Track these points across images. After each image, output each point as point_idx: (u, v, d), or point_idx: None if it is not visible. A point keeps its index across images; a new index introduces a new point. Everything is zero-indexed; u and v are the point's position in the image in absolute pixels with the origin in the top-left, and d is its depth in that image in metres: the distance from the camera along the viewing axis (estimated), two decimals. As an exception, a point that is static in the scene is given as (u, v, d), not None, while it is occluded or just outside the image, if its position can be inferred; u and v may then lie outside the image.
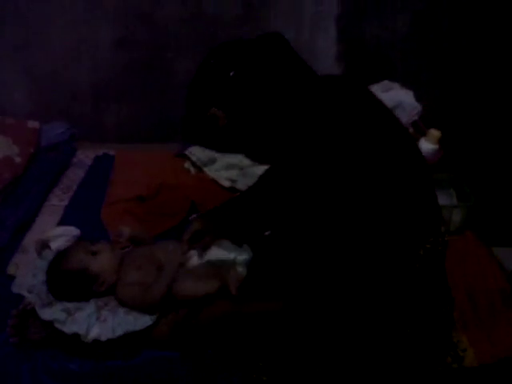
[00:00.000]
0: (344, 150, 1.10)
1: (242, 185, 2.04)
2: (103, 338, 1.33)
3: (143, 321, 1.37)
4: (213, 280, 1.38)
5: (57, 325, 1.34)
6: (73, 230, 1.69)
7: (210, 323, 1.34)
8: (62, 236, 1.64)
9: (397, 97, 2.14)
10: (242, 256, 1.41)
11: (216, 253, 1.43)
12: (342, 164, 1.10)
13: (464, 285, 1.60)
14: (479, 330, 1.43)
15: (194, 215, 1.62)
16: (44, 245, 1.60)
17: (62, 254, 1.47)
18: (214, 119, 1.18)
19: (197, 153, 2.19)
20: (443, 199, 1.69)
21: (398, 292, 1.15)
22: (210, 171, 2.14)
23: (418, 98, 2.18)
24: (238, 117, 1.18)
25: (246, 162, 2.16)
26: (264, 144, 1.22)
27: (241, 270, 1.40)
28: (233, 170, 2.13)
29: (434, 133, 1.95)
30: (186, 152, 2.21)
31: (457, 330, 1.39)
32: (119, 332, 1.34)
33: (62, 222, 1.85)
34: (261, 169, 2.08)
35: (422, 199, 1.15)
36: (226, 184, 2.08)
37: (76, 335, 1.33)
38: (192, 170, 2.19)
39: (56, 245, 1.60)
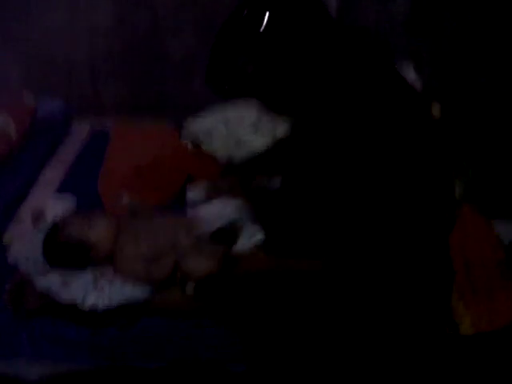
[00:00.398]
0: (370, 116, 1.08)
1: (238, 159, 2.03)
2: (100, 307, 1.32)
3: (140, 291, 1.37)
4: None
5: (53, 293, 1.33)
6: (68, 201, 1.69)
7: (244, 281, 1.31)
8: (57, 206, 1.63)
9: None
10: (256, 236, 1.41)
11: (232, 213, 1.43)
12: (366, 127, 1.08)
13: (462, 257, 1.60)
14: (476, 300, 1.43)
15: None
16: (39, 215, 1.59)
17: (58, 224, 1.46)
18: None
19: (193, 127, 2.17)
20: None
21: (411, 260, 1.15)
22: (207, 145, 2.13)
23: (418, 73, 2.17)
24: (265, 65, 1.14)
25: (244, 137, 2.16)
26: (287, 95, 1.18)
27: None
28: (229, 144, 2.12)
29: (434, 105, 1.94)
30: (183, 126, 2.20)
31: (454, 299, 1.38)
32: (116, 301, 1.34)
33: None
34: (259, 141, 2.09)
35: (443, 169, 1.15)
36: (223, 158, 2.07)
37: (73, 303, 1.32)
38: (188, 143, 2.18)
39: (52, 215, 1.59)
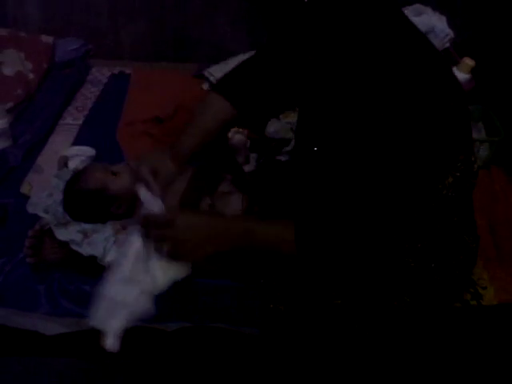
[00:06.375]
0: (378, 73, 1.02)
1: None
2: (120, 262, 1.32)
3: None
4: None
5: (73, 246, 1.32)
6: (88, 151, 1.67)
7: None
8: (77, 156, 1.61)
9: (429, 22, 2.01)
10: None
11: None
12: (376, 85, 1.02)
13: (487, 220, 1.56)
14: (501, 267, 1.40)
15: None
16: (65, 163, 1.57)
17: (81, 173, 1.43)
18: None
19: (215, 73, 2.11)
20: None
21: (422, 221, 1.11)
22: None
23: (451, 25, 2.06)
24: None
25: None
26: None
27: None
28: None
29: (468, 62, 1.85)
30: (204, 72, 2.14)
31: (479, 267, 1.36)
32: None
33: (77, 141, 1.81)
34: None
35: (456, 127, 1.09)
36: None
37: (92, 257, 1.31)
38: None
39: (73, 164, 1.57)
